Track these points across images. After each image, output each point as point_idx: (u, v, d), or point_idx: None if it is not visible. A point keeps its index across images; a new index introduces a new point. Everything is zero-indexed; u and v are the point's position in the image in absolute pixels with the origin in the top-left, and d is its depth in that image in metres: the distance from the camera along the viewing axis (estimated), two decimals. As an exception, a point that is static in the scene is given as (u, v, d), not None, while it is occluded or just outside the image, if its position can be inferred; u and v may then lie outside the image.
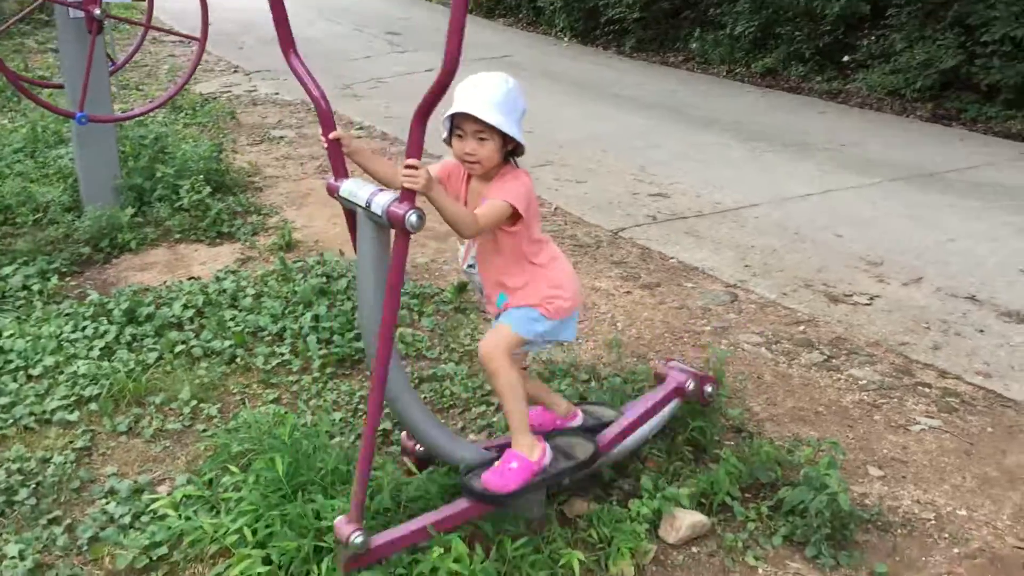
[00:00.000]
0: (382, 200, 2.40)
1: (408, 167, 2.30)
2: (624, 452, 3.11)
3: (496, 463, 2.73)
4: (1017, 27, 8.70)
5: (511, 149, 2.67)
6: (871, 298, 4.86)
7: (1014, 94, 8.88)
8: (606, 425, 3.10)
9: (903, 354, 4.24)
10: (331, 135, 2.62)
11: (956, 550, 2.94)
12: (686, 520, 2.92)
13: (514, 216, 2.64)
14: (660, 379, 3.28)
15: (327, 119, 2.62)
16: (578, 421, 3.15)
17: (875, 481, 3.29)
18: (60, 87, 5.97)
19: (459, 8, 2.07)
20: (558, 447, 2.89)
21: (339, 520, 2.52)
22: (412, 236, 2.39)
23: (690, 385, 3.18)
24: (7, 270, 4.75)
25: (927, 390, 3.93)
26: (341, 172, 2.65)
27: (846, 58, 10.70)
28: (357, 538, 2.45)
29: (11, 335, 4.04)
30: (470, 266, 2.90)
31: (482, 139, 2.59)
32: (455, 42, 2.10)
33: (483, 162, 2.62)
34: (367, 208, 2.45)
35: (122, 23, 10.88)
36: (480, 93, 2.56)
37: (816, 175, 7.09)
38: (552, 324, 2.78)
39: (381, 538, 2.55)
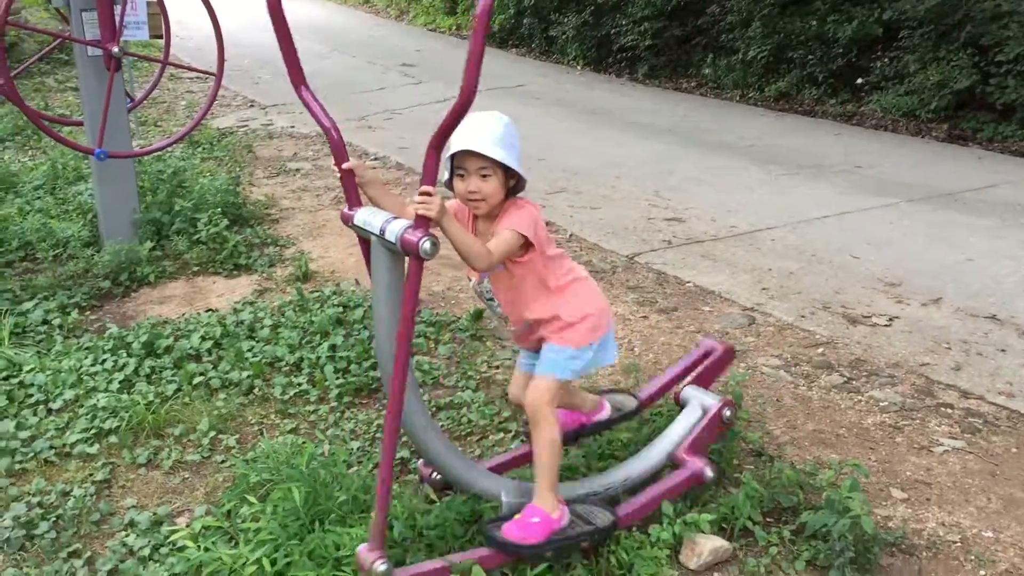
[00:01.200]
0: (396, 228, 2.41)
1: (423, 194, 2.32)
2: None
3: (518, 515, 2.75)
4: (1031, 46, 8.69)
5: (512, 185, 2.69)
6: (890, 319, 4.82)
7: (1029, 113, 8.86)
8: (626, 416, 3.29)
9: (924, 375, 4.20)
10: (344, 165, 2.64)
11: (983, 572, 2.89)
12: (707, 545, 2.89)
13: (524, 246, 2.66)
14: (678, 464, 3.18)
15: (339, 149, 2.64)
16: (605, 413, 3.31)
17: (899, 504, 3.25)
18: (80, 124, 6.05)
19: (479, 36, 2.09)
20: (577, 513, 2.87)
21: (361, 548, 2.51)
22: (427, 264, 2.40)
23: (708, 473, 3.07)
24: (28, 305, 4.79)
25: (949, 411, 3.89)
26: (355, 201, 2.67)
27: (860, 80, 10.71)
28: (380, 567, 2.44)
29: (32, 369, 4.07)
30: (489, 300, 2.89)
31: (485, 176, 2.61)
32: (473, 70, 2.13)
33: (488, 199, 2.64)
34: (381, 236, 2.46)
35: (140, 60, 11.06)
36: (480, 130, 2.59)
37: (832, 197, 7.07)
38: (590, 355, 2.83)
39: (405, 572, 2.54)
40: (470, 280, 2.91)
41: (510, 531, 2.70)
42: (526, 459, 3.16)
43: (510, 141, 2.62)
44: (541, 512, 2.74)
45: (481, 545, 2.74)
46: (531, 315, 2.81)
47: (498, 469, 3.12)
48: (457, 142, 2.58)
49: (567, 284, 2.82)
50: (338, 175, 2.65)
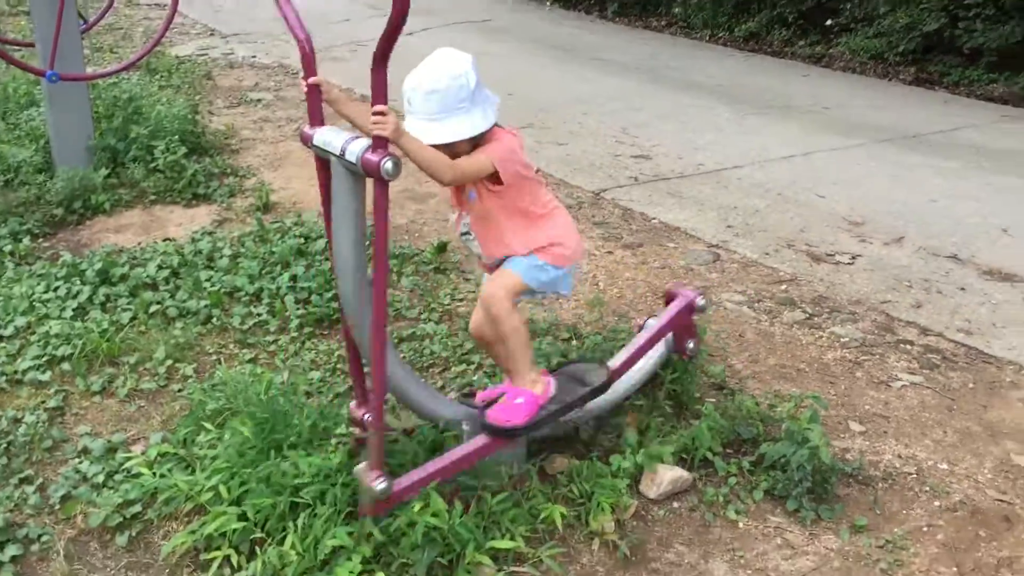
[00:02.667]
0: (357, 147, 2.33)
1: (375, 113, 2.24)
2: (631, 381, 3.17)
3: (501, 399, 2.76)
4: (1000, -11, 8.66)
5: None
6: (853, 257, 4.84)
7: (996, 57, 8.86)
8: (593, 390, 3.06)
9: (885, 312, 4.23)
10: (311, 80, 2.52)
11: (937, 503, 2.93)
12: (667, 475, 2.90)
13: (496, 176, 2.59)
14: (669, 298, 3.29)
15: (309, 63, 2.53)
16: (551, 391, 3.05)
17: (856, 436, 3.28)
18: (31, 45, 5.84)
19: None
20: (572, 374, 2.93)
21: (359, 467, 2.51)
22: (390, 197, 2.34)
23: (700, 300, 3.24)
24: (-23, 231, 4.65)
25: (909, 347, 3.92)
26: (317, 119, 2.57)
27: (829, 22, 10.63)
28: (380, 484, 2.44)
29: (-19, 296, 3.97)
30: (464, 234, 2.84)
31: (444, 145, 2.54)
32: None
33: (460, 154, 2.58)
34: (341, 156, 2.38)
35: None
36: (422, 106, 2.52)
37: (799, 137, 7.05)
38: (555, 273, 2.78)
39: (403, 482, 2.53)
40: (452, 214, 2.84)
41: (494, 415, 2.72)
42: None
43: (460, 99, 2.52)
44: (522, 391, 2.76)
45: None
46: (507, 250, 2.75)
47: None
48: (406, 126, 2.48)
49: (547, 213, 2.77)
50: (305, 89, 2.54)
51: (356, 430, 2.81)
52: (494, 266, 2.84)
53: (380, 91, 2.23)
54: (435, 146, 2.51)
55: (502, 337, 2.77)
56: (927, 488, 3.00)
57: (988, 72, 8.94)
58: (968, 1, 8.96)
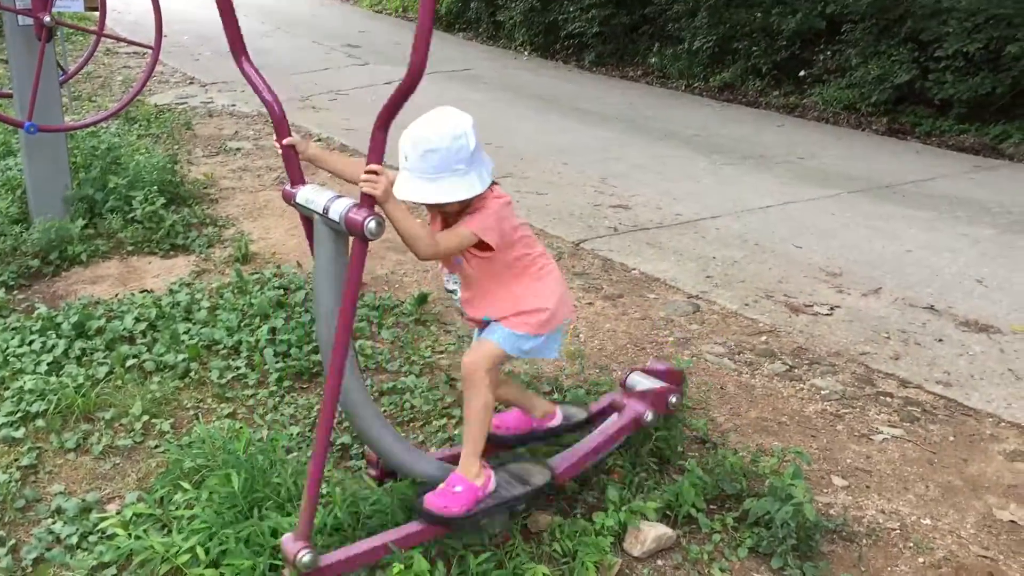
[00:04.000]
0: (340, 206, 2.34)
1: (368, 172, 2.24)
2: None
3: (441, 485, 2.67)
4: (969, 42, 8.86)
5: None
6: (831, 308, 4.87)
7: (966, 108, 9.04)
8: (575, 427, 3.09)
9: (864, 364, 4.25)
10: (285, 141, 2.54)
11: (921, 559, 2.92)
12: (651, 533, 2.88)
13: (483, 243, 2.58)
14: (617, 409, 3.17)
15: (281, 124, 2.56)
16: (557, 421, 3.14)
17: (839, 491, 3.27)
18: (9, 96, 5.82)
19: (427, 14, 2.00)
20: (512, 472, 2.83)
21: (286, 537, 2.43)
22: (371, 247, 2.33)
23: (648, 417, 3.07)
24: (-49, 283, 4.60)
25: (889, 399, 3.93)
26: (298, 179, 2.59)
27: (803, 73, 10.82)
28: (304, 556, 2.36)
29: (-46, 350, 3.90)
30: (452, 291, 2.83)
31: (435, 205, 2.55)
32: (422, 48, 2.03)
33: (449, 213, 2.58)
34: (324, 215, 2.39)
35: (74, 31, 10.73)
36: (418, 163, 2.45)
37: (775, 187, 7.13)
38: (538, 341, 2.75)
39: (333, 557, 2.47)
40: (442, 273, 2.83)
41: (432, 501, 2.62)
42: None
43: (458, 159, 2.46)
44: (463, 480, 2.67)
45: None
46: (491, 314, 2.73)
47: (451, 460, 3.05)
48: (399, 175, 2.46)
49: (531, 277, 2.74)
50: (279, 151, 2.57)
51: (371, 471, 2.85)
52: (478, 323, 2.83)
53: (377, 153, 2.22)
54: (426, 204, 2.52)
55: (468, 410, 2.71)
56: (911, 544, 2.99)
57: (959, 123, 9.12)
58: (938, 54, 9.15)
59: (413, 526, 2.63)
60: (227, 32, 2.52)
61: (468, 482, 2.67)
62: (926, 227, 6.21)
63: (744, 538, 2.92)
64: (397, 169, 2.52)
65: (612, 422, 3.09)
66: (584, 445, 2.99)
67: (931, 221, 6.33)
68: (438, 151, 2.44)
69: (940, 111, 9.36)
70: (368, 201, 2.28)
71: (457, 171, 2.47)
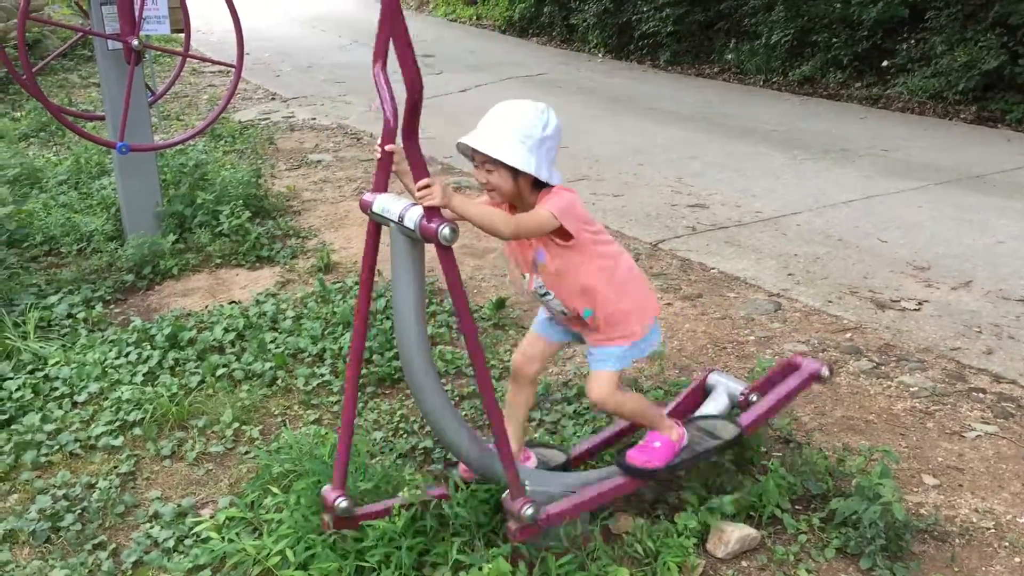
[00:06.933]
0: (415, 214, 2.38)
1: (421, 188, 2.30)
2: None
3: (640, 441, 2.90)
4: (1061, 24, 8.53)
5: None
6: (919, 303, 4.74)
7: (1060, 93, 8.70)
8: (559, 468, 3.07)
9: (955, 359, 4.13)
10: (387, 147, 2.54)
11: (1017, 559, 2.83)
12: (735, 534, 2.85)
13: (564, 232, 2.59)
14: (792, 367, 3.28)
15: (393, 134, 2.57)
16: (531, 464, 3.06)
17: (930, 490, 3.19)
18: (102, 118, 6.07)
19: (400, 33, 2.10)
20: (702, 428, 3.05)
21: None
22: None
23: (825, 372, 3.23)
24: (52, 299, 4.81)
25: (981, 395, 3.81)
26: (382, 187, 2.61)
27: (885, 63, 10.55)
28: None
29: (56, 363, 4.08)
30: (543, 295, 2.80)
31: (488, 169, 2.58)
32: (409, 64, 2.26)
33: (498, 190, 2.61)
34: (400, 223, 2.43)
35: (161, 54, 11.11)
36: (490, 122, 2.58)
37: (858, 181, 6.97)
38: (639, 346, 2.83)
39: (555, 507, 2.65)
40: (522, 278, 2.82)
41: (634, 456, 2.85)
42: (608, 443, 3.23)
43: (526, 134, 2.54)
44: (661, 436, 2.88)
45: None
46: (592, 299, 2.72)
47: (585, 455, 3.19)
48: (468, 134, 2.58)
49: (616, 279, 2.73)
50: (378, 156, 2.56)
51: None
52: (575, 319, 2.83)
53: (418, 162, 2.32)
54: (487, 189, 2.61)
55: (631, 420, 3.01)
56: (1006, 543, 2.90)
57: (1051, 108, 8.78)
58: (1027, 37, 8.84)
59: (615, 480, 2.85)
60: (379, 36, 2.56)
61: (665, 437, 2.89)
62: (1019, 217, 5.99)
63: (831, 538, 2.87)
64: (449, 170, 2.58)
65: (791, 377, 3.23)
66: (765, 402, 3.16)
67: (1023, 211, 6.11)
68: (514, 112, 2.57)
69: (1032, 96, 9.03)
70: (433, 212, 2.32)
71: (524, 142, 2.54)
